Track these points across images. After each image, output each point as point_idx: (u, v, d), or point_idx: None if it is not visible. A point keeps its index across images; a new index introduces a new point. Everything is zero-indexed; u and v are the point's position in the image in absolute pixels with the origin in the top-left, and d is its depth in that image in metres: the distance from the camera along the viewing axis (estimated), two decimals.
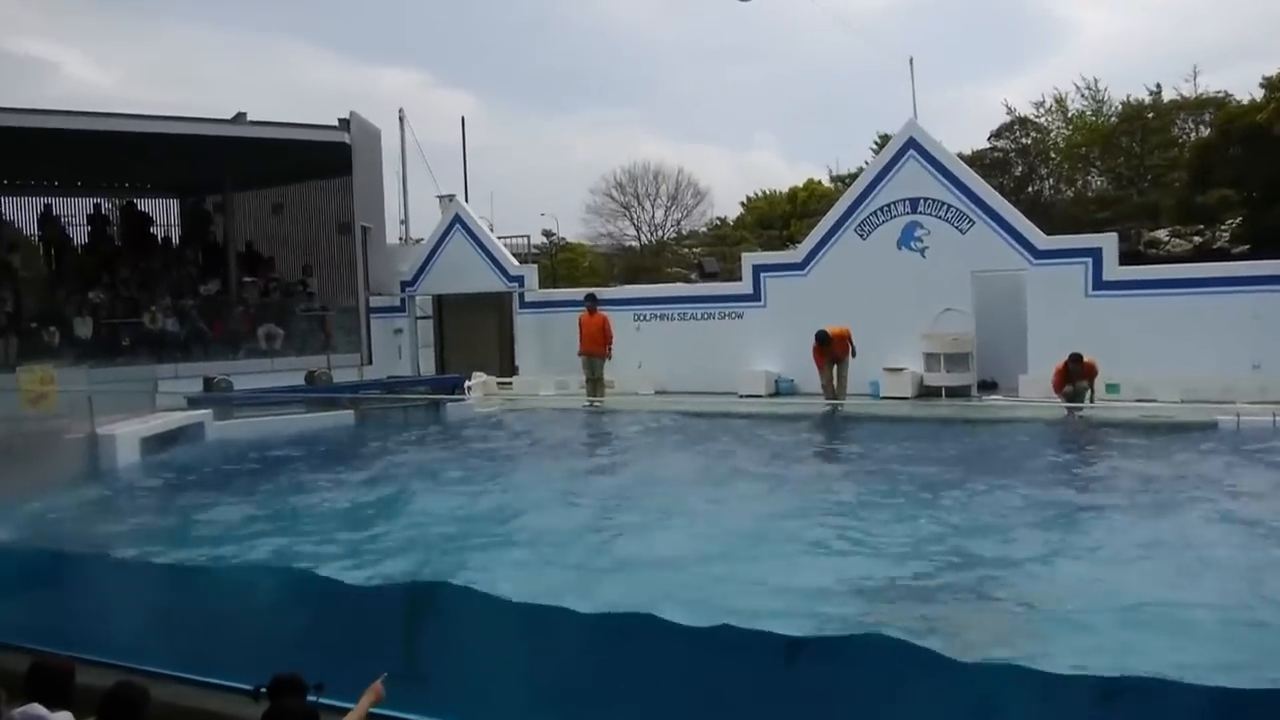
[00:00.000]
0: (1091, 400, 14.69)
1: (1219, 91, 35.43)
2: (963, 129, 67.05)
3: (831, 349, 16.34)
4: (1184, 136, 36.38)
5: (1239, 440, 12.47)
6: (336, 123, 20.80)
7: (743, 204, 53.92)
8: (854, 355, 16.38)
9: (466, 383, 18.69)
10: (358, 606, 5.77)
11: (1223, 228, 31.47)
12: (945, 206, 17.75)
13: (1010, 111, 39.27)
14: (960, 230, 17.67)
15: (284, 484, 11.50)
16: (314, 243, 23.62)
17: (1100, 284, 16.60)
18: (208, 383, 17.48)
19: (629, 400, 18.30)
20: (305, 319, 21.67)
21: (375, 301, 22.41)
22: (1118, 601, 6.28)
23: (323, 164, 21.42)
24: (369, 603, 5.77)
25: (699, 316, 19.95)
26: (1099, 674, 4.56)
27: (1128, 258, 19.39)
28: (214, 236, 24.02)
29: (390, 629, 5.43)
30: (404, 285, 23.03)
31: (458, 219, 22.62)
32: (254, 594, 6.20)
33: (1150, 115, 35.81)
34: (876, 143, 40.46)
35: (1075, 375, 14.62)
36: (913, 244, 18.04)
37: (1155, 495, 9.49)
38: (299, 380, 18.22)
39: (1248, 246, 28.12)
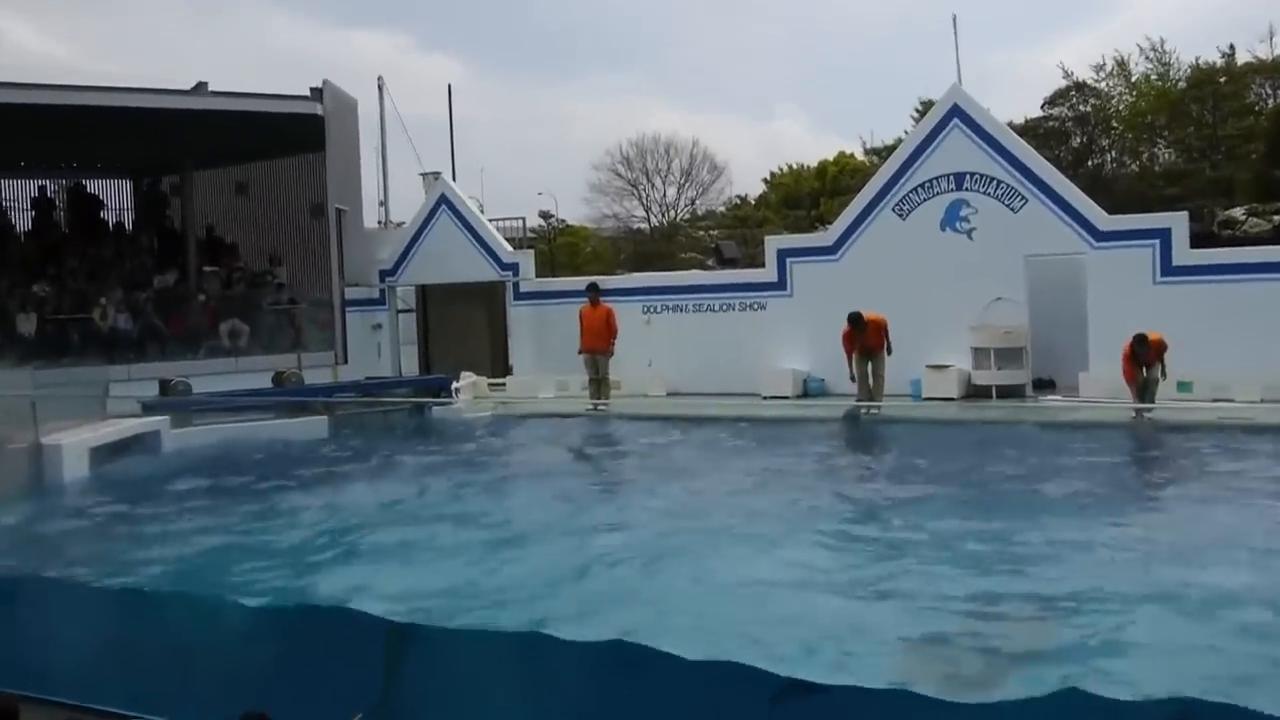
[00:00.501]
0: (1164, 375, 14.69)
1: None
2: (1014, 95, 66.89)
3: (865, 337, 16.25)
4: (1261, 103, 36.17)
5: None
6: (308, 93, 20.77)
7: (765, 180, 53.96)
8: (890, 352, 16.29)
9: (454, 384, 18.66)
10: (331, 639, 5.75)
11: None
12: (994, 182, 17.67)
13: (1067, 75, 39.08)
14: (1011, 209, 17.59)
15: (250, 500, 11.48)
16: (283, 228, 23.63)
17: (1169, 269, 16.52)
18: (164, 386, 17.47)
19: (638, 403, 18.26)
20: (273, 313, 21.68)
21: (351, 293, 22.40)
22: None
23: (292, 139, 21.40)
24: (343, 635, 5.74)
25: (717, 308, 19.90)
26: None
27: (1200, 239, 19.30)
28: (171, 221, 24.04)
29: (367, 663, 5.40)
30: (383, 275, 23.03)
31: (444, 200, 22.60)
32: (219, 625, 6.19)
33: (1223, 80, 35.62)
34: (917, 110, 40.37)
35: (1144, 358, 14.60)
36: (958, 225, 17.97)
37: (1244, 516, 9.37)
38: (266, 382, 18.18)
39: None
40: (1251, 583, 7.09)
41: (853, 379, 16.40)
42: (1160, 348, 14.79)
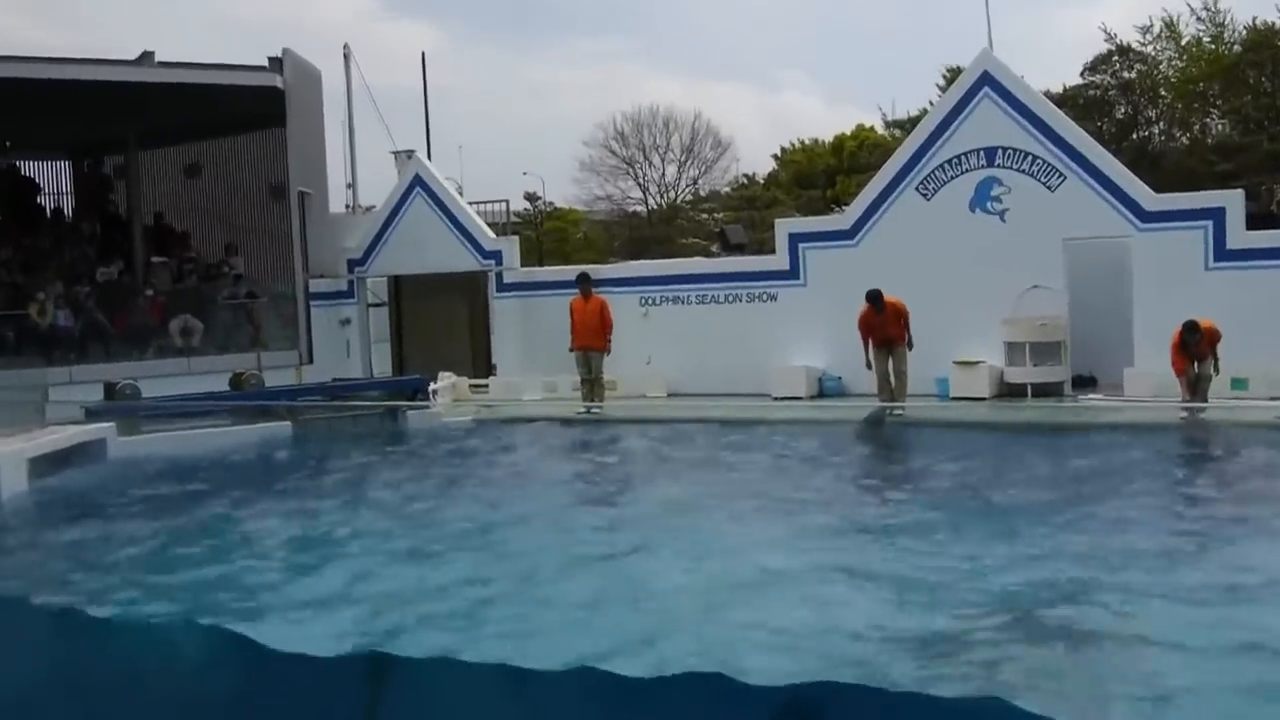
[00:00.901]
0: (1216, 370, 14.76)
1: None
2: (1051, 61, 67.02)
3: (884, 324, 16.26)
4: None
5: None
6: (266, 63, 20.80)
7: (775, 157, 54.03)
8: (910, 346, 16.32)
9: (431, 386, 18.67)
10: (301, 676, 5.75)
11: None
12: (1029, 158, 17.71)
13: (1110, 38, 39.11)
14: (1048, 187, 17.63)
15: (203, 516, 11.47)
16: (240, 213, 23.64)
17: (1223, 253, 16.56)
18: (109, 389, 17.48)
19: (635, 406, 18.29)
20: (229, 308, 21.72)
21: (316, 285, 22.43)
22: None
23: (249, 115, 21.43)
24: (316, 673, 5.75)
25: (722, 299, 19.94)
26: None
27: (1257, 220, 19.30)
28: (115, 207, 24.05)
29: (343, 705, 5.40)
30: (352, 264, 23.05)
31: (418, 181, 22.62)
32: (172, 655, 6.20)
33: None
34: (944, 79, 40.40)
35: (1195, 349, 14.71)
36: (989, 205, 18.01)
37: None
38: (222, 385, 18.20)
39: None
40: None
41: (869, 366, 16.41)
42: (1213, 337, 14.85)
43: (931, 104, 32.66)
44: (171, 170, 24.53)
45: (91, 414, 15.87)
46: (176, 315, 21.07)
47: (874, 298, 16.41)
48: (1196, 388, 14.73)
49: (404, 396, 18.50)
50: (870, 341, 16.44)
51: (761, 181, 51.98)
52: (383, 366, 22.91)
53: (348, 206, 28.81)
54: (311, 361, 21.25)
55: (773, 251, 20.20)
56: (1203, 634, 6.84)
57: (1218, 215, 16.76)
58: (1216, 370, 14.87)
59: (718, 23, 74.85)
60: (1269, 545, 9.17)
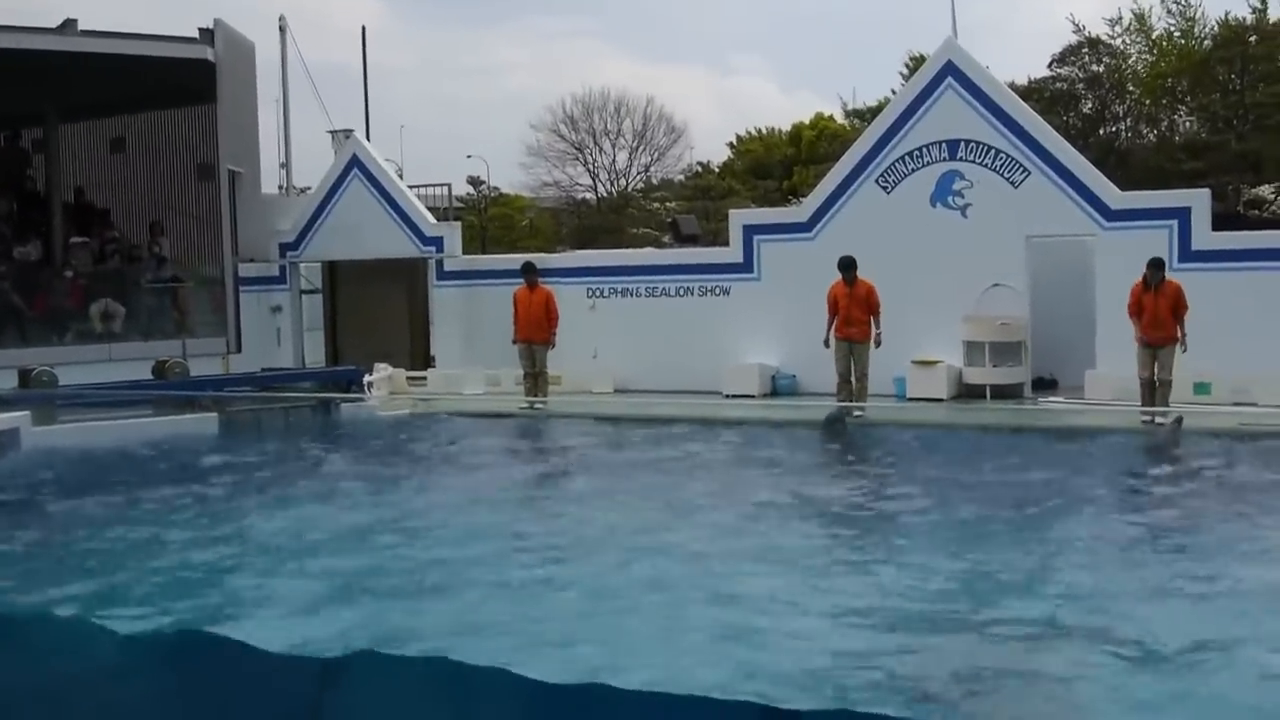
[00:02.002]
0: (1184, 347, 14.92)
1: None
2: (1017, 51, 67.84)
3: (851, 300, 16.17)
4: None
5: None
6: (196, 34, 20.61)
7: (731, 146, 54.21)
8: (878, 344, 16.34)
9: (367, 377, 18.61)
10: (246, 677, 5.74)
11: None
12: (993, 152, 17.89)
13: (1078, 30, 39.57)
14: (1012, 183, 17.82)
15: (122, 510, 11.37)
16: (166, 192, 23.45)
17: (1188, 254, 16.81)
18: (24, 376, 17.29)
19: (581, 402, 18.30)
20: (153, 292, 21.53)
21: (246, 270, 22.29)
22: None
23: (178, 88, 21.24)
24: (263, 672, 5.75)
25: (673, 293, 19.99)
26: None
27: (1223, 220, 19.66)
28: (33, 183, 23.72)
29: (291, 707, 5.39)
30: (284, 249, 22.91)
31: (356, 162, 22.51)
32: (92, 655, 6.18)
33: (1253, 39, 36.24)
34: (906, 67, 40.73)
35: (1156, 285, 14.89)
36: (951, 200, 18.17)
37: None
38: (145, 373, 18.06)
39: None
40: None
41: (826, 344, 16.47)
42: (1179, 299, 14.94)
43: (894, 93, 32.94)
44: (94, 145, 24.26)
45: (4, 402, 15.70)
46: (97, 298, 20.87)
47: (846, 266, 16.34)
48: (1157, 394, 14.91)
49: (338, 388, 18.43)
50: (834, 320, 16.35)
51: (716, 170, 52.09)
52: (315, 356, 22.81)
53: (281, 187, 28.64)
54: (240, 350, 21.12)
55: (726, 244, 20.28)
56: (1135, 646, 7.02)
57: (1184, 215, 17.01)
58: (1184, 347, 14.92)
59: (672, 2, 75.01)
60: (1213, 555, 9.35)
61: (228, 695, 5.45)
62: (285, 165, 29.31)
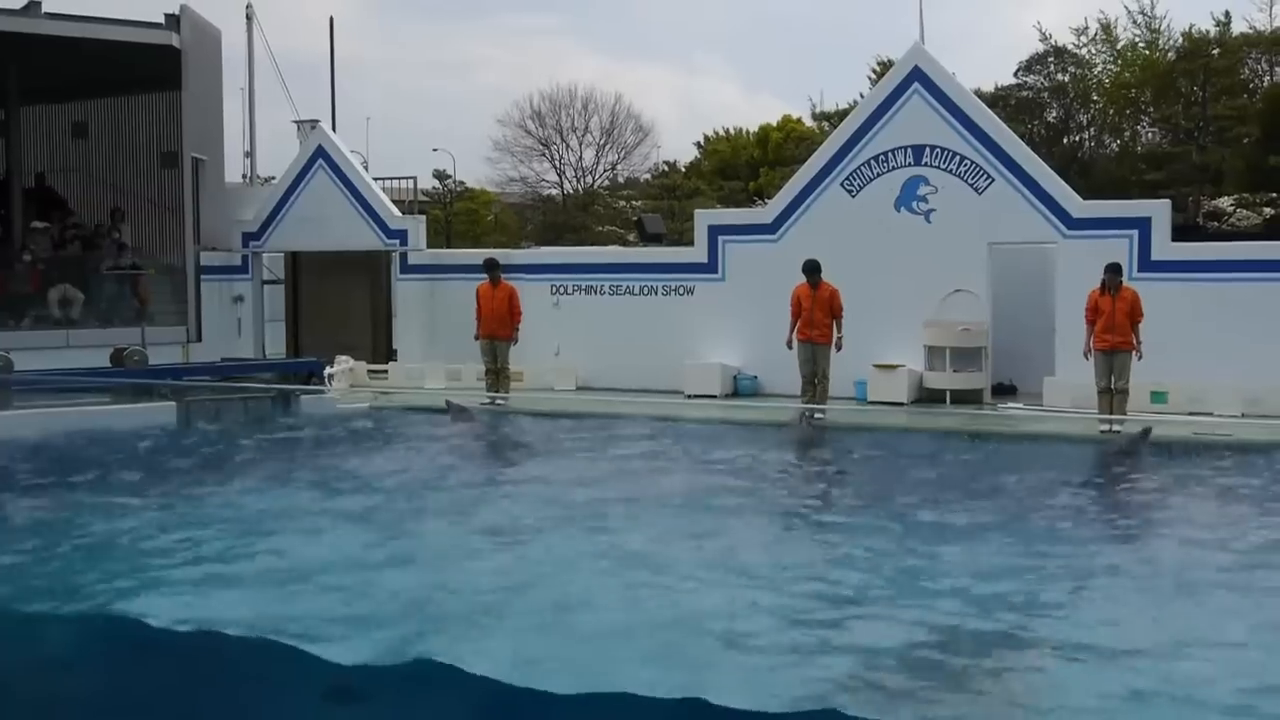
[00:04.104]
0: (1139, 355, 15.06)
1: None
2: (985, 59, 68.11)
3: (814, 308, 16.23)
4: (1255, 80, 37.25)
5: None
6: (162, 20, 20.45)
7: (698, 146, 54.25)
8: (839, 347, 16.41)
9: (327, 370, 18.53)
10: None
11: None
12: (958, 158, 17.99)
13: (1045, 38, 39.89)
14: (976, 189, 17.93)
15: (72, 499, 11.32)
16: (128, 178, 23.31)
17: (1148, 263, 16.95)
18: None
19: (542, 399, 18.27)
20: (113, 279, 21.36)
21: (208, 259, 22.12)
22: None
23: (142, 74, 21.07)
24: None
25: (637, 291, 19.99)
26: None
27: (1183, 231, 19.86)
28: None
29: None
30: (247, 238, 22.74)
31: (321, 153, 22.37)
32: (41, 647, 6.18)
33: (1216, 52, 36.62)
34: (874, 72, 40.87)
35: (1114, 290, 15.04)
36: (915, 205, 18.26)
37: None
38: (103, 360, 17.92)
39: None
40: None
41: (789, 346, 16.49)
42: (1135, 307, 15.09)
43: (861, 97, 33.05)
44: (56, 129, 24.08)
45: None
46: (56, 284, 20.68)
47: (810, 269, 16.40)
48: (1114, 403, 15.04)
49: (298, 380, 18.32)
50: (797, 323, 16.40)
51: (683, 170, 52.13)
52: (276, 347, 22.68)
53: (245, 177, 28.47)
54: (200, 339, 20.98)
55: (691, 243, 20.30)
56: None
57: (1144, 225, 17.15)
58: (1139, 355, 15.06)
59: (642, 1, 74.97)
60: (1155, 560, 9.51)
61: (127, 673, 5.48)
62: (250, 154, 29.16)
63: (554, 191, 55.34)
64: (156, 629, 6.29)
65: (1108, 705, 6.33)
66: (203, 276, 21.70)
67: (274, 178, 25.15)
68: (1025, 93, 39.00)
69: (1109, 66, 40.27)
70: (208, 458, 14.06)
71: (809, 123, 47.58)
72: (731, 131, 52.86)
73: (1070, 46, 39.88)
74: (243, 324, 22.60)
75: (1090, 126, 40.21)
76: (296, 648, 5.71)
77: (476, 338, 18.15)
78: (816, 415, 16.04)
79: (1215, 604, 8.17)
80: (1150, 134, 39.43)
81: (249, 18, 27.40)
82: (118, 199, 23.06)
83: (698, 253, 19.76)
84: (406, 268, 21.72)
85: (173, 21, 20.46)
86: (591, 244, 34.80)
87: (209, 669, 5.24)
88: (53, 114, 23.87)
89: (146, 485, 12.12)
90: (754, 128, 51.22)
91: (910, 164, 18.27)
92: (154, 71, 20.59)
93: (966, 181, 17.96)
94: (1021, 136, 20.33)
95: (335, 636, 6.84)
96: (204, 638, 5.47)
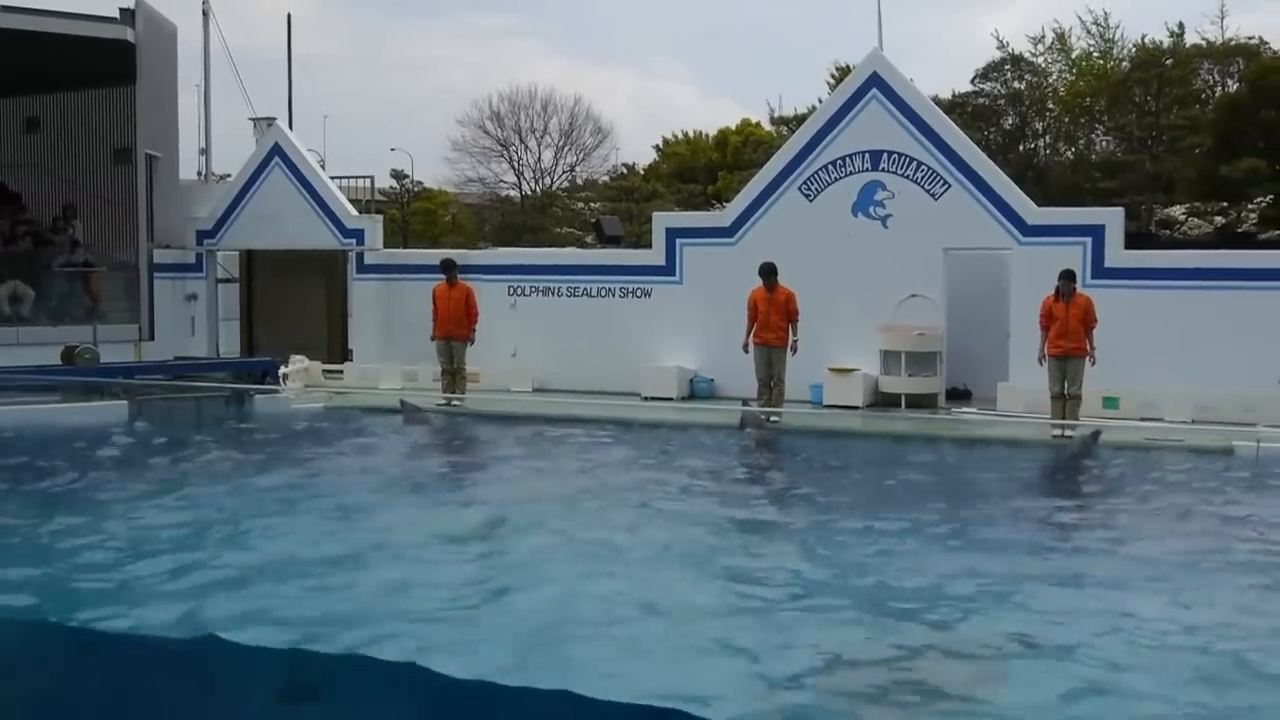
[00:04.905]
0: (1093, 360, 15.21)
1: (1250, 37, 36.96)
2: (942, 66, 68.69)
3: (770, 311, 16.28)
4: (1207, 91, 37.79)
5: (1258, 471, 13.11)
6: (117, 14, 20.28)
7: (657, 149, 54.32)
8: (794, 351, 16.48)
9: (281, 369, 18.42)
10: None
11: (1250, 207, 32.87)
12: (915, 164, 18.10)
13: (1002, 46, 40.32)
14: (932, 195, 18.04)
15: (26, 499, 11.25)
16: (80, 174, 23.09)
17: (1101, 270, 17.11)
18: None
19: (499, 400, 18.23)
20: (64, 276, 21.16)
21: (161, 256, 21.94)
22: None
23: (96, 69, 20.90)
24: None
25: (595, 293, 19.98)
26: None
27: (1135, 239, 20.10)
28: None
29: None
30: (201, 236, 22.57)
31: (278, 151, 22.23)
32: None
33: (1169, 62, 37.11)
34: (833, 77, 41.13)
35: (1068, 296, 15.17)
36: (872, 210, 18.36)
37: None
38: (54, 358, 17.76)
39: (1279, 232, 29.46)
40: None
41: (746, 350, 16.53)
42: (1089, 313, 15.22)
43: (820, 102, 33.23)
44: (8, 124, 23.80)
45: None
46: (6, 281, 20.47)
47: (766, 272, 16.45)
48: (1067, 407, 15.20)
49: (252, 379, 18.21)
50: (753, 326, 16.43)
51: (641, 173, 52.21)
52: (230, 346, 22.53)
53: (200, 174, 28.27)
54: (153, 338, 20.81)
55: (649, 246, 20.31)
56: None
57: (1097, 232, 17.32)
58: (1093, 360, 15.22)
59: (603, 3, 75.01)
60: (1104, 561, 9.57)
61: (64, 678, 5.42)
62: (205, 152, 28.99)
63: (512, 192, 55.32)
64: (92, 633, 6.25)
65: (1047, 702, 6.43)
66: (156, 274, 21.51)
67: (229, 175, 25.01)
68: (982, 100, 39.39)
69: (1064, 75, 40.77)
70: (157, 457, 13.93)
71: (768, 127, 47.80)
72: (690, 135, 52.99)
73: (1027, 55, 40.39)
74: (196, 322, 22.43)
75: (1045, 134, 40.66)
76: (242, 645, 5.67)
77: (433, 338, 18.09)
78: (773, 418, 16.12)
79: (1155, 602, 8.27)
80: (1104, 142, 39.94)
81: (205, 14, 27.20)
82: (70, 195, 22.83)
83: (655, 255, 19.78)
84: (363, 267, 21.62)
85: (128, 16, 20.29)
86: (549, 245, 34.76)
87: (142, 671, 5.19)
88: (5, 108, 23.59)
89: (92, 485, 12.03)
90: (712, 131, 51.40)
91: (868, 169, 18.37)
92: (108, 66, 20.42)
93: (923, 187, 18.08)
94: (978, 143, 20.49)
95: (279, 639, 6.81)
96: (136, 641, 5.43)
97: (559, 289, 20.23)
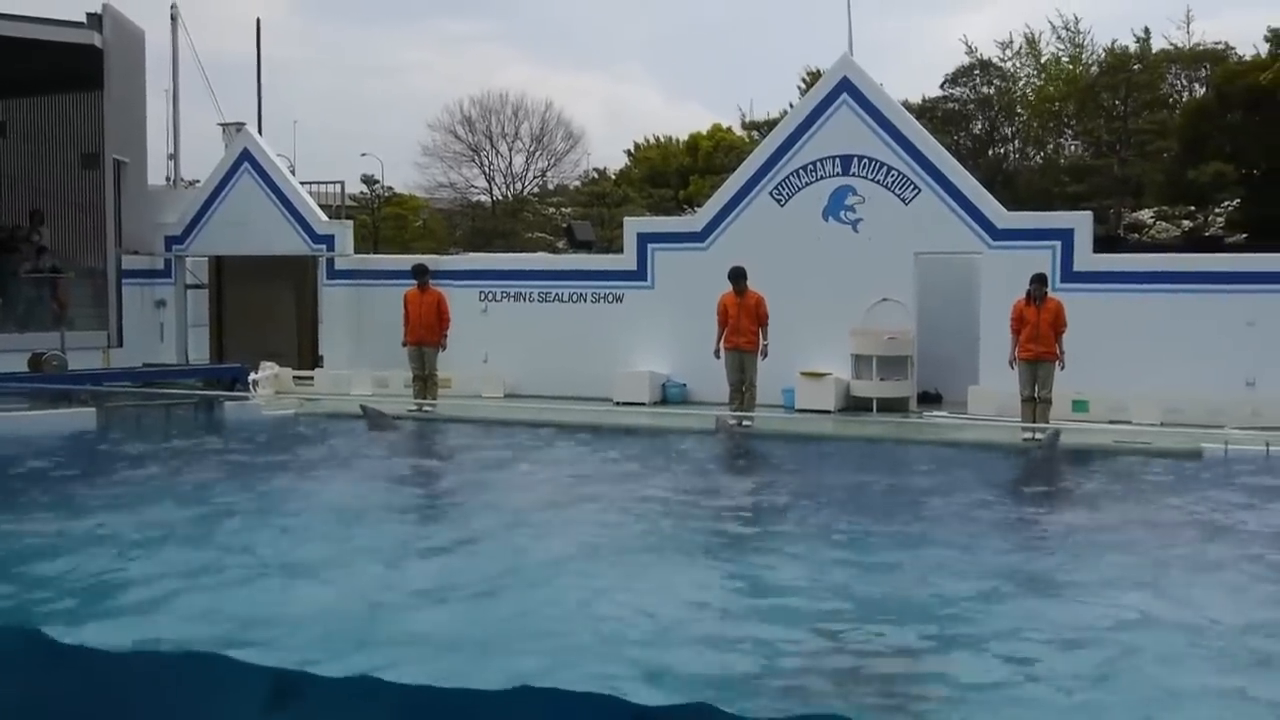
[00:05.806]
0: (1062, 365, 15.29)
1: (1217, 43, 37.22)
2: (912, 70, 68.92)
3: (740, 315, 16.32)
4: (1175, 96, 38.08)
5: (1225, 472, 13.20)
6: (84, 18, 20.16)
7: (628, 153, 54.31)
8: (764, 355, 16.54)
9: (252, 376, 18.36)
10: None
11: (1217, 211, 33.15)
12: (885, 169, 18.19)
13: (971, 51, 40.48)
14: (903, 200, 18.13)
15: None
16: (47, 179, 22.90)
17: (1070, 274, 17.24)
18: None
19: (470, 406, 18.21)
20: (31, 282, 20.98)
21: (130, 262, 21.81)
22: None
23: (63, 73, 20.75)
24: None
25: (566, 298, 19.99)
26: None
27: (1104, 243, 20.21)
28: None
29: None
30: (170, 242, 22.48)
31: (247, 156, 22.17)
32: None
33: (1137, 67, 37.37)
34: (804, 81, 41.20)
35: (1039, 300, 15.24)
36: (843, 214, 18.43)
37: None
38: (20, 365, 17.65)
39: (1245, 235, 29.71)
40: None
41: (717, 355, 16.57)
42: (1059, 317, 15.31)
43: (791, 106, 33.31)
44: None
45: None
46: None
47: (736, 276, 16.48)
48: (1037, 410, 15.29)
49: (222, 386, 18.15)
50: (724, 331, 16.47)
51: (612, 177, 52.21)
52: (200, 353, 22.45)
53: (169, 179, 28.09)
54: (121, 344, 20.65)
55: (621, 251, 20.34)
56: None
57: (1067, 236, 17.45)
58: (1062, 365, 15.29)
59: (576, 8, 75.04)
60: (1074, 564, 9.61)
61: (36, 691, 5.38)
62: (174, 157, 28.77)
63: (483, 197, 55.26)
64: (53, 643, 6.20)
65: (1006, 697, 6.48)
66: (124, 280, 21.37)
67: (198, 181, 24.87)
68: (951, 105, 39.56)
69: (1033, 80, 40.97)
70: (125, 464, 13.83)
71: (739, 131, 47.85)
72: (661, 139, 53.02)
73: (996, 60, 40.55)
74: (165, 329, 22.34)
75: (1015, 139, 40.86)
76: (220, 655, 5.65)
77: (404, 344, 18.07)
78: (744, 422, 16.15)
79: (1122, 602, 8.33)
80: (1073, 147, 40.17)
81: (174, 18, 27.02)
82: (37, 200, 22.65)
83: (627, 260, 19.80)
84: (333, 273, 21.55)
85: (95, 20, 20.16)
86: (521, 250, 34.70)
87: (116, 682, 5.16)
88: None
89: (58, 493, 11.95)
90: (683, 136, 51.43)
91: (838, 174, 18.44)
92: (75, 71, 20.28)
93: (893, 192, 18.16)
94: (948, 148, 20.62)
95: (247, 647, 6.79)
96: (102, 654, 5.39)
97: (530, 294, 20.22)
